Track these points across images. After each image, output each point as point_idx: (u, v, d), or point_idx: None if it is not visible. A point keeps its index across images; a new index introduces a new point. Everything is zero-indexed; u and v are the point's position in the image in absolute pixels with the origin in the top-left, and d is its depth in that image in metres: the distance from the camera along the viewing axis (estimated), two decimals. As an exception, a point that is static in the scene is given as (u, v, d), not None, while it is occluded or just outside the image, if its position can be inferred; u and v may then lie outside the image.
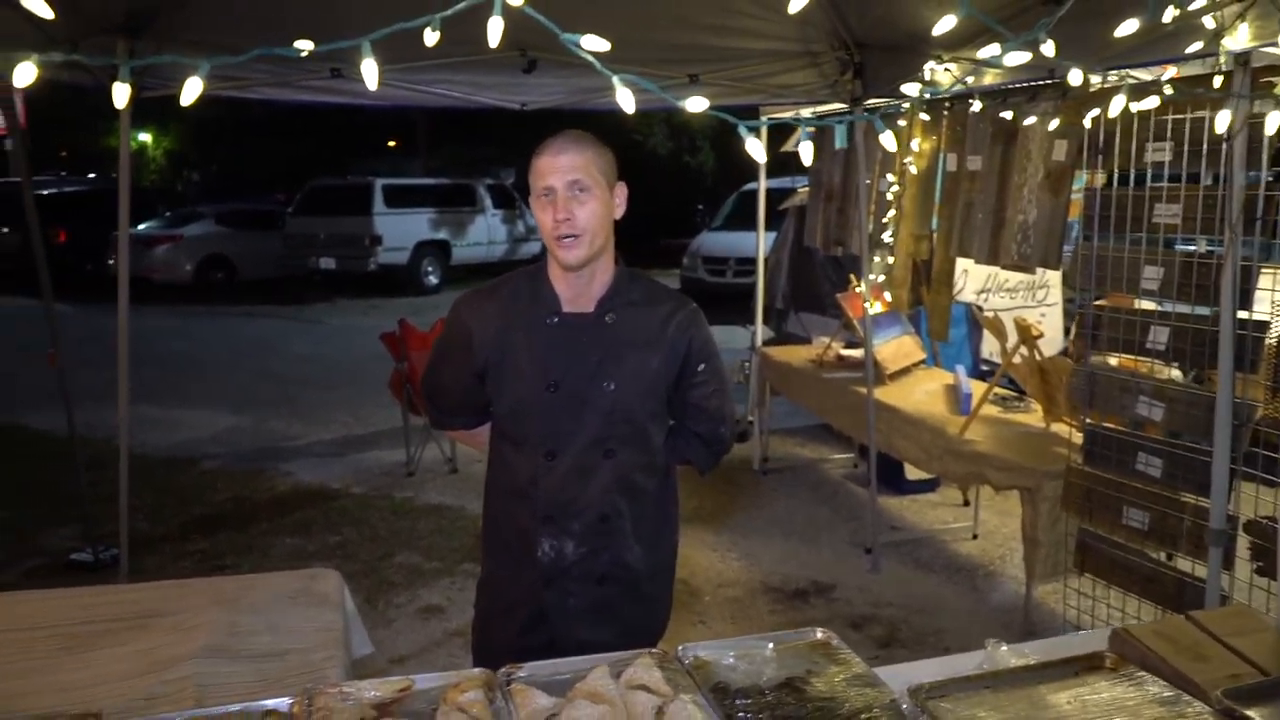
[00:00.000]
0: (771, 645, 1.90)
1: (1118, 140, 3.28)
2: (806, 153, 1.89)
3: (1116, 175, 3.36)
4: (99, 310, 13.41)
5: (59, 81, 3.65)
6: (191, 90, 1.20)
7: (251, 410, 8.30)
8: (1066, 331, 6.35)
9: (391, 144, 27.56)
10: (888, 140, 1.81)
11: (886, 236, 5.27)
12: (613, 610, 2.18)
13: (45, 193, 16.93)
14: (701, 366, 2.17)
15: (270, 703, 1.69)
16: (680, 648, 1.85)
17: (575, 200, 1.97)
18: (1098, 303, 3.45)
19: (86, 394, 6.50)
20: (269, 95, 4.68)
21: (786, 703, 1.68)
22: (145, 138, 27.77)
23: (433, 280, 16.96)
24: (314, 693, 1.69)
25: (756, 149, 1.35)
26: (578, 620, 2.15)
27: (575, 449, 2.08)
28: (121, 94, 1.35)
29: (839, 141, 5.13)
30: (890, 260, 5.35)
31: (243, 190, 23.97)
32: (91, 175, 23.39)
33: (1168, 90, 2.60)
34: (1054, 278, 6.42)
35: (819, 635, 1.93)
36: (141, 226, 16.62)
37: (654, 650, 1.83)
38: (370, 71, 1.21)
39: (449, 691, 1.70)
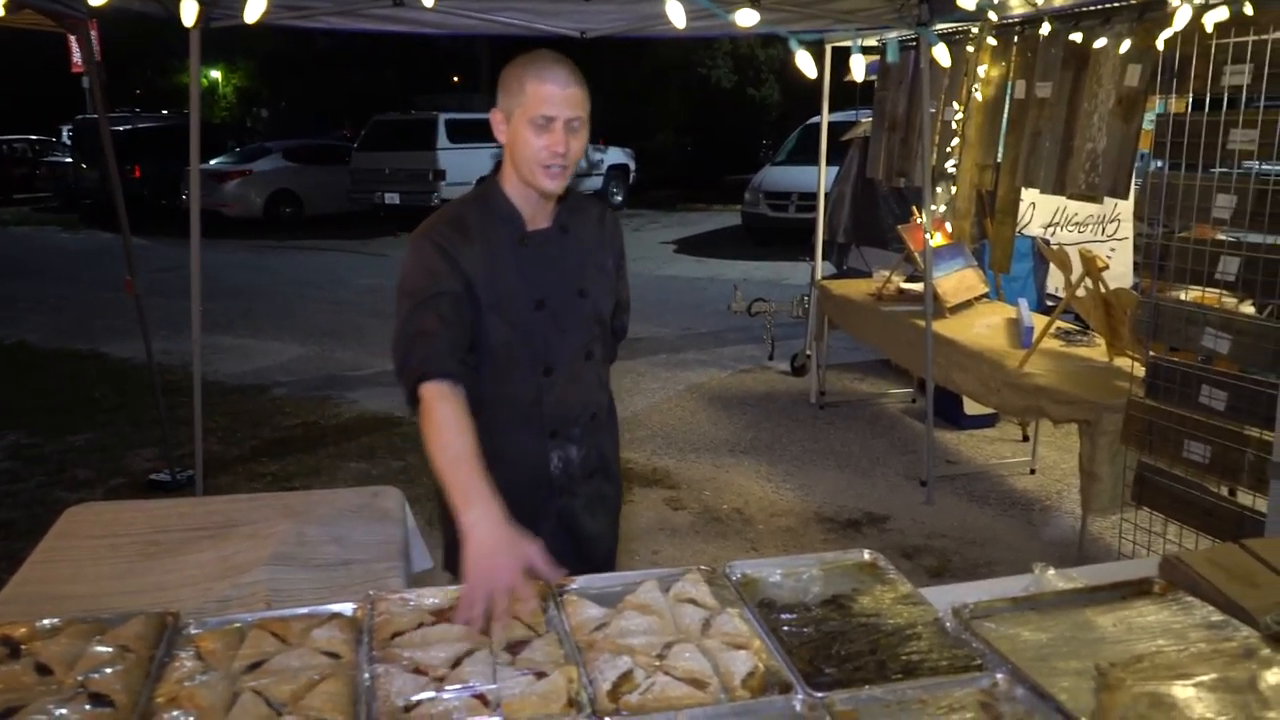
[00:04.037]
0: (818, 564, 1.93)
1: (1194, 63, 3.15)
2: (858, 67, 1.87)
3: (1191, 100, 3.24)
4: (173, 244, 13.76)
5: (129, 12, 3.72)
6: (254, 9, 1.24)
7: (319, 340, 8.50)
8: (1137, 267, 6.17)
9: (455, 79, 27.50)
10: (941, 54, 1.78)
11: (950, 166, 5.15)
12: (602, 496, 2.28)
13: (121, 129, 17.36)
14: (622, 261, 2.29)
15: (335, 606, 1.77)
16: (727, 565, 1.89)
17: (573, 135, 1.98)
18: (1179, 235, 3.35)
19: (163, 324, 6.73)
20: (332, 24, 4.71)
21: (831, 618, 1.71)
22: (215, 75, 28.13)
23: (494, 216, 17.07)
24: (376, 598, 1.77)
25: (807, 63, 1.34)
26: (585, 516, 2.24)
27: (567, 360, 2.14)
28: (190, 12, 1.39)
29: (890, 56, 4.96)
30: (953, 190, 5.24)
31: (309, 126, 24.21)
32: (165, 112, 23.81)
33: (1247, 8, 2.49)
34: (1125, 211, 6.23)
35: (866, 556, 1.95)
36: (213, 162, 16.96)
37: (702, 567, 1.88)
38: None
39: (504, 600, 1.77)
